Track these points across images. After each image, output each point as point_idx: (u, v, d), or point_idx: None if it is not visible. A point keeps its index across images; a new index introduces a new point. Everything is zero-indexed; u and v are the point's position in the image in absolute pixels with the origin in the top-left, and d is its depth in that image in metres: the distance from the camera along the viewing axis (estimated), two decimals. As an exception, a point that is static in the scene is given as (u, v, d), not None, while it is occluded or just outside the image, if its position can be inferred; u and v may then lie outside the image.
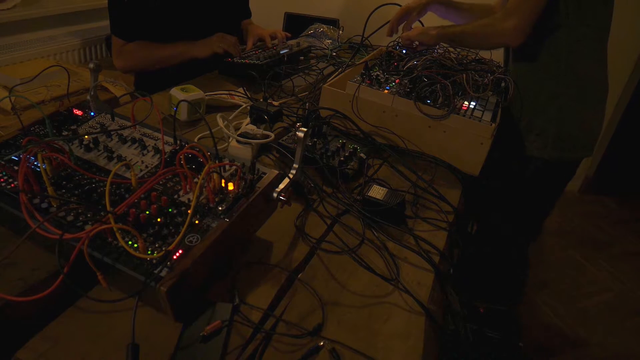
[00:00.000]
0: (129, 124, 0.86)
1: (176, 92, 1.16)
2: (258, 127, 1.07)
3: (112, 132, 0.83)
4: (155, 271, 0.58)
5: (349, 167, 1.02)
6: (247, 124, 1.09)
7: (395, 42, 1.47)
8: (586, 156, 1.34)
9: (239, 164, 0.74)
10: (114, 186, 0.71)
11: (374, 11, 1.39)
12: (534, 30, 1.19)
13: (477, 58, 1.43)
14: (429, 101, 1.14)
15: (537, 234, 1.61)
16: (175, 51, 1.51)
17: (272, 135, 1.03)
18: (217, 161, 0.75)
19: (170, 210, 0.67)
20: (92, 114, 0.89)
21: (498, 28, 1.19)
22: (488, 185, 1.44)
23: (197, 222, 0.66)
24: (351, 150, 1.08)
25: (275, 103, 1.28)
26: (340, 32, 1.99)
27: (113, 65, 1.59)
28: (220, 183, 0.71)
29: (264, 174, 0.76)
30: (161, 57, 1.52)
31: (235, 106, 1.27)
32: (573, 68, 1.24)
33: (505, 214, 1.50)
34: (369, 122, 1.18)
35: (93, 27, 2.41)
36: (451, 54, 1.44)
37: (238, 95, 1.32)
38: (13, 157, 0.75)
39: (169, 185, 0.72)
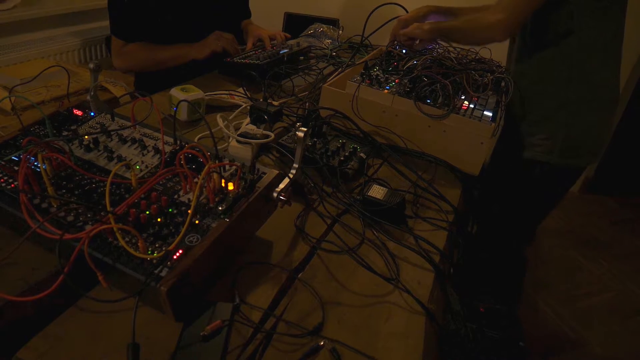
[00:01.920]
0: (129, 124, 0.86)
1: (176, 92, 1.16)
2: (258, 127, 1.07)
3: (112, 132, 0.83)
4: (156, 271, 0.58)
5: (349, 166, 1.02)
6: (247, 124, 1.10)
7: (395, 42, 1.47)
8: (592, 162, 1.32)
9: (239, 164, 0.74)
10: (114, 186, 0.71)
11: (373, 11, 1.39)
12: (544, 36, 1.16)
13: (477, 58, 1.43)
14: (429, 101, 1.14)
15: (532, 238, 1.59)
16: (175, 53, 1.51)
17: (272, 135, 1.03)
18: (217, 161, 0.75)
19: (170, 210, 0.67)
20: (92, 114, 0.89)
21: (484, 22, 1.17)
22: (487, 187, 1.43)
23: (197, 222, 0.66)
24: (351, 150, 1.08)
25: (275, 103, 1.28)
26: (340, 32, 1.99)
27: (113, 66, 1.59)
28: (220, 183, 0.71)
29: (264, 173, 0.76)
30: (161, 58, 1.52)
31: (235, 106, 1.27)
32: (585, 74, 1.20)
33: (502, 216, 1.48)
34: (369, 122, 1.18)
35: (93, 27, 2.41)
36: (451, 53, 1.44)
37: (238, 95, 1.32)
38: (13, 158, 0.75)
39: (169, 185, 0.72)
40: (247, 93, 1.33)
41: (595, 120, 1.24)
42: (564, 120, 1.24)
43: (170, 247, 0.60)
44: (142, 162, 0.77)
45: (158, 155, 0.79)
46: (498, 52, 1.46)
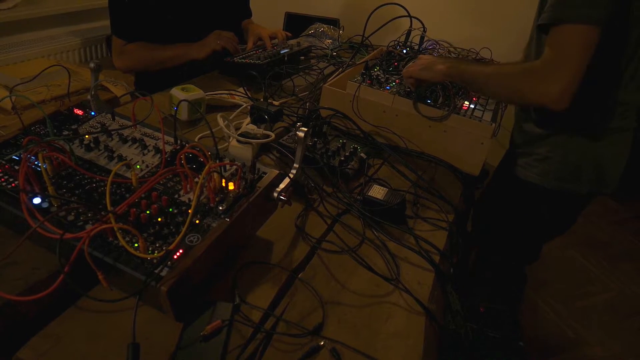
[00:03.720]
0: (129, 123, 0.86)
1: (177, 92, 1.16)
2: (258, 127, 1.07)
3: (112, 132, 0.83)
4: (156, 271, 0.58)
5: (349, 166, 1.02)
6: (247, 124, 1.10)
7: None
8: (599, 191, 1.15)
9: (239, 164, 0.74)
10: (115, 186, 0.71)
11: (374, 11, 1.39)
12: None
13: (477, 58, 1.43)
14: (429, 101, 1.14)
15: (534, 258, 1.44)
16: (175, 53, 1.51)
17: (273, 135, 1.03)
18: (217, 161, 0.75)
19: (170, 210, 0.67)
20: (92, 113, 0.89)
21: (536, 88, 0.93)
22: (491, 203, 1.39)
23: (197, 221, 0.66)
24: (351, 150, 1.08)
25: (276, 103, 1.28)
26: (341, 31, 1.99)
27: (113, 65, 1.59)
28: (221, 183, 0.71)
29: (265, 173, 0.76)
30: (161, 58, 1.52)
31: (236, 106, 1.27)
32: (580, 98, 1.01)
33: (502, 234, 1.39)
34: (369, 122, 1.18)
35: (93, 27, 2.41)
36: (451, 53, 1.44)
37: (238, 95, 1.32)
38: (14, 157, 0.75)
39: (169, 185, 0.72)
40: (248, 93, 1.33)
41: (596, 143, 1.10)
42: (562, 141, 1.12)
43: (171, 247, 0.60)
44: (143, 162, 0.77)
45: (158, 155, 0.79)
46: (499, 52, 1.46)
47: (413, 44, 1.53)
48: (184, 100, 1.13)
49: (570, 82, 0.90)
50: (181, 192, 0.71)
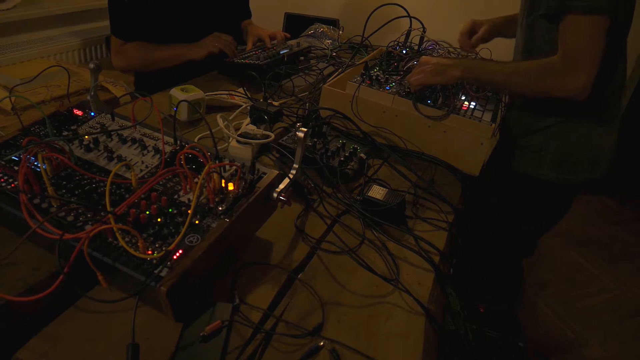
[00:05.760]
0: (129, 124, 0.86)
1: (176, 92, 1.16)
2: (258, 127, 1.07)
3: (112, 132, 0.83)
4: (155, 271, 0.58)
5: (349, 167, 1.02)
6: (247, 124, 1.10)
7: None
8: (591, 178, 1.18)
9: (239, 164, 0.74)
10: (114, 186, 0.71)
11: (374, 11, 1.39)
12: (546, 47, 1.04)
13: (477, 58, 1.43)
14: (429, 101, 1.14)
15: (530, 251, 1.46)
16: (173, 53, 1.52)
17: (272, 136, 1.03)
18: (217, 161, 0.75)
19: (170, 210, 0.67)
20: (92, 114, 0.89)
21: (561, 85, 0.98)
22: (484, 197, 1.40)
23: (197, 222, 0.66)
24: (351, 150, 1.08)
25: (275, 103, 1.28)
26: (340, 32, 1.99)
27: (113, 66, 1.59)
28: (221, 183, 0.71)
29: (264, 174, 0.76)
30: (159, 58, 1.52)
31: (235, 106, 1.27)
32: None
33: (497, 228, 1.39)
34: (369, 122, 1.18)
35: (93, 27, 2.41)
36: (451, 54, 1.44)
37: (238, 96, 1.32)
38: (13, 157, 0.75)
39: (169, 186, 0.72)
40: (247, 93, 1.33)
41: (591, 132, 1.14)
42: (557, 132, 1.14)
43: (170, 247, 0.60)
44: (142, 162, 0.77)
45: (158, 156, 0.79)
46: (498, 52, 1.46)
47: (413, 45, 1.53)
48: (184, 100, 1.13)
49: (592, 73, 0.96)
50: (181, 193, 0.71)
